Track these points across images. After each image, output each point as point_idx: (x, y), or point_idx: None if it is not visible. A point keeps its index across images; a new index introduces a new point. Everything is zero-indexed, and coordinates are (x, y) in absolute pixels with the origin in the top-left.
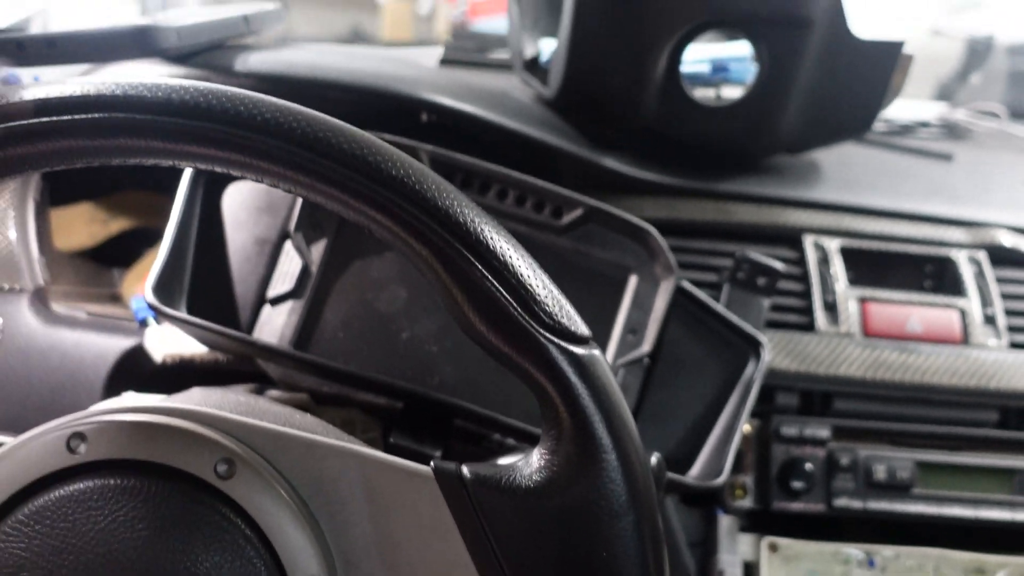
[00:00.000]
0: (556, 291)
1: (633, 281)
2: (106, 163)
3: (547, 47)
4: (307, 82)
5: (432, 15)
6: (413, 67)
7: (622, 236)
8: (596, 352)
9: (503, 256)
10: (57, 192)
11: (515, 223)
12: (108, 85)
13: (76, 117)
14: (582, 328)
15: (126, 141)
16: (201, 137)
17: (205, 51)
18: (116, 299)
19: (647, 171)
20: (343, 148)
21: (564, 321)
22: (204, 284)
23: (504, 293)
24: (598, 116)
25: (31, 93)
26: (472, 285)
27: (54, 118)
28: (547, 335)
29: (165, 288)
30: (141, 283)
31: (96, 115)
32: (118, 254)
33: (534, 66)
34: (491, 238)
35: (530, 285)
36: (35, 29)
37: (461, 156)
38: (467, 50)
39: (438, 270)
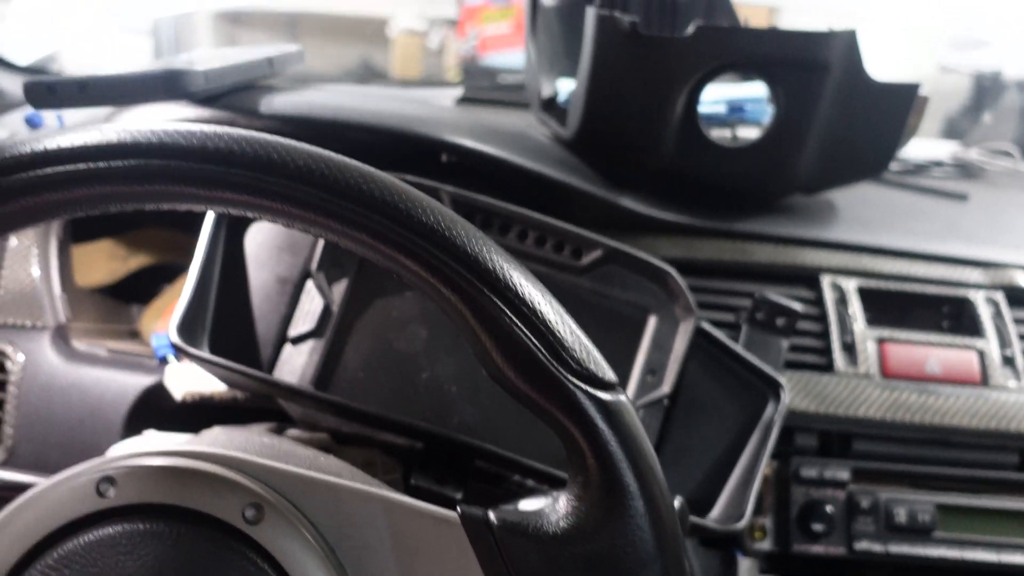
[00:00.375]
0: (583, 337)
1: (653, 322)
2: (140, 208)
3: (564, 87)
4: (331, 124)
5: (442, 49)
6: (433, 108)
7: (642, 277)
8: (623, 398)
9: (532, 302)
10: (78, 229)
11: (535, 263)
12: (144, 132)
13: (113, 163)
14: (609, 374)
15: (162, 187)
16: (235, 184)
17: (230, 93)
18: (135, 335)
19: (664, 211)
20: (374, 194)
21: (592, 367)
22: (226, 323)
23: (533, 339)
24: (616, 157)
25: (69, 139)
26: (501, 331)
27: (91, 164)
28: (575, 381)
29: (188, 328)
30: (160, 319)
31: (133, 161)
32: (136, 290)
33: (551, 106)
34: (520, 284)
35: (558, 331)
36: (56, 68)
37: (482, 197)
38: (483, 88)
39: (467, 316)
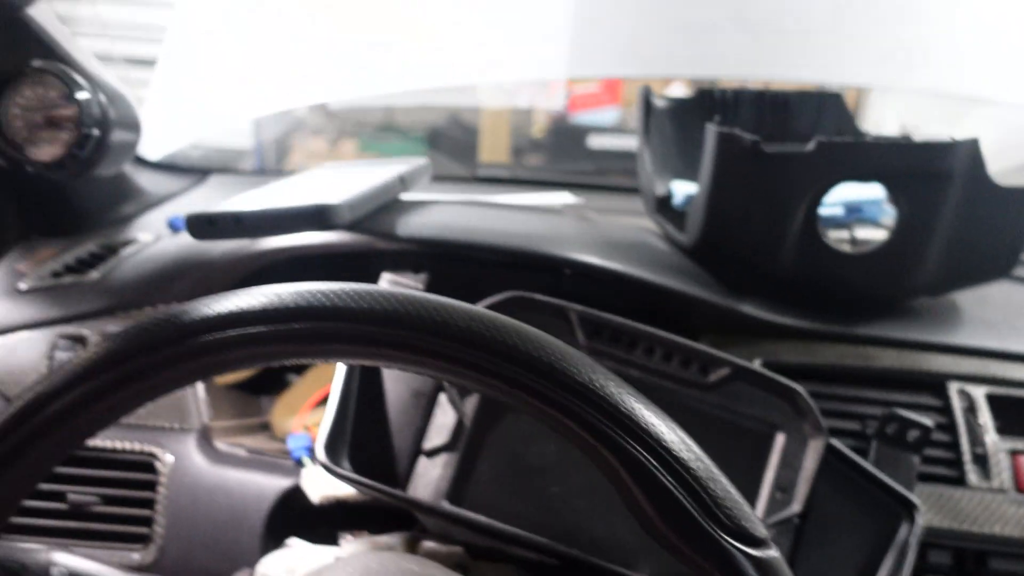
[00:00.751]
0: (736, 493)
1: (781, 439)
2: (310, 363)
3: (679, 189)
4: (464, 246)
5: (530, 108)
6: (553, 220)
7: (769, 394)
8: (775, 554)
9: (686, 461)
10: None
11: (661, 379)
12: (317, 295)
13: (292, 326)
14: (761, 530)
15: (333, 347)
16: (402, 345)
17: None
18: (266, 427)
19: (784, 316)
20: (532, 354)
21: (744, 524)
22: (365, 436)
23: (687, 497)
24: (736, 264)
25: (249, 301)
26: (656, 489)
27: (270, 327)
28: (729, 540)
29: (332, 446)
30: (291, 415)
31: (309, 324)
32: (265, 383)
33: (665, 206)
34: (674, 442)
35: (712, 489)
36: (185, 160)
37: (607, 315)
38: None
39: (621, 472)
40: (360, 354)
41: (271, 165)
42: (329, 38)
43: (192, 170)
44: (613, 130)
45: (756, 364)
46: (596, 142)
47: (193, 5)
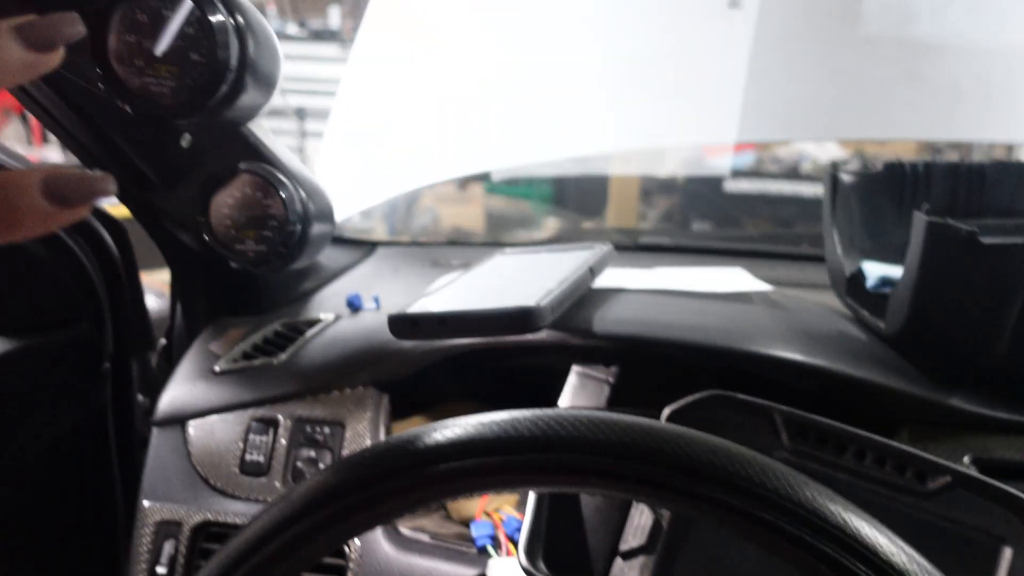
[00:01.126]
0: None
1: (1008, 553)
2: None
3: (871, 271)
4: (661, 343)
5: (662, 151)
6: (747, 310)
7: (995, 504)
8: None
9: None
10: (396, 408)
11: (873, 484)
12: (553, 424)
13: (532, 456)
14: None
15: (570, 478)
16: (645, 481)
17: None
18: (441, 506)
19: (997, 409)
20: (767, 486)
21: None
22: (560, 536)
23: None
24: (944, 355)
25: (480, 428)
26: None
27: (509, 457)
28: None
29: (530, 549)
30: (472, 500)
31: (548, 456)
32: None
33: (856, 287)
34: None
35: None
36: (358, 223)
37: (814, 417)
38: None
39: None
40: (598, 486)
41: (402, 208)
42: (503, 107)
43: (360, 243)
44: (749, 174)
45: (966, 460)
46: (732, 186)
47: (362, 77)
